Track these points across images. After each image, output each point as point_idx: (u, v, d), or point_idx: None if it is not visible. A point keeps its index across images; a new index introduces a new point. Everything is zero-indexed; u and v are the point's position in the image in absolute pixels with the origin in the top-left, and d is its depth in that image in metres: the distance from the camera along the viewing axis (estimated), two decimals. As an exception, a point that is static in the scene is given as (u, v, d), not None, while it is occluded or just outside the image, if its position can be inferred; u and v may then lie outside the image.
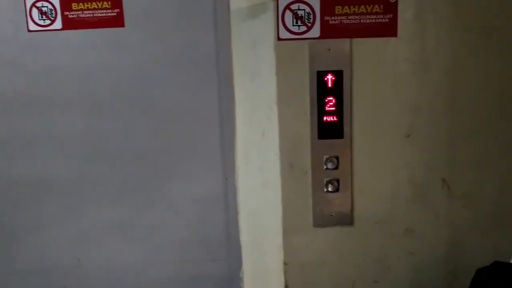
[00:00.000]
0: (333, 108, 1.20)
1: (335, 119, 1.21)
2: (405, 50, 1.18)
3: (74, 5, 1.44)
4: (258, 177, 1.32)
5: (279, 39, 1.18)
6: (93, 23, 1.45)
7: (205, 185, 1.55)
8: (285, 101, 1.21)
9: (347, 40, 1.18)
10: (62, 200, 1.57)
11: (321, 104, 1.20)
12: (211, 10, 1.45)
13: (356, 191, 1.24)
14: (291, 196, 1.25)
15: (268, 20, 1.19)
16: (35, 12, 1.45)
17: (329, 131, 1.21)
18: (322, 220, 1.26)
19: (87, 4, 1.44)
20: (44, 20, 1.45)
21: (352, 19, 1.18)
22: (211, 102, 1.51)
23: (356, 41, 1.18)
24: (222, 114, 1.50)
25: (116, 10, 1.44)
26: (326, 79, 1.19)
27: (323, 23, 1.18)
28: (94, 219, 1.58)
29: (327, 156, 1.22)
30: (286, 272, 1.28)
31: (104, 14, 1.45)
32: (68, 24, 1.45)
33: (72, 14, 1.45)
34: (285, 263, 1.28)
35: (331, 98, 1.20)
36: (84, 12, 1.44)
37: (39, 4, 1.44)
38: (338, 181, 1.23)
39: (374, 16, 1.17)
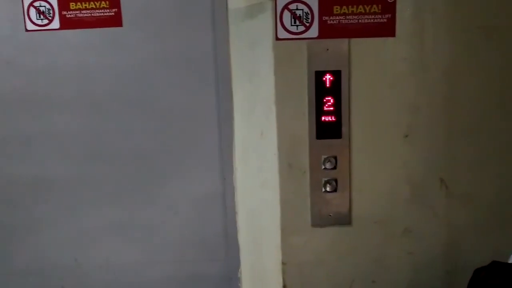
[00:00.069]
0: (331, 108, 1.20)
1: (333, 119, 1.21)
2: (404, 50, 1.18)
3: (72, 4, 1.44)
4: (257, 177, 1.32)
5: (277, 39, 1.18)
6: (91, 23, 1.45)
7: (204, 185, 1.56)
8: (284, 101, 1.21)
9: (345, 40, 1.18)
10: (61, 200, 1.57)
11: (319, 104, 1.20)
12: (209, 10, 1.45)
13: (354, 191, 1.24)
14: (289, 196, 1.25)
15: (266, 20, 1.19)
16: (32, 11, 1.44)
17: (327, 131, 1.21)
18: (320, 220, 1.26)
19: (85, 3, 1.44)
20: (42, 19, 1.45)
21: (350, 19, 1.17)
22: (210, 102, 1.51)
23: (355, 41, 1.18)
24: (221, 114, 1.50)
25: (114, 10, 1.44)
26: (324, 79, 1.19)
27: (321, 23, 1.18)
28: (93, 219, 1.58)
29: (325, 156, 1.22)
30: (284, 272, 1.28)
31: (102, 14, 1.44)
32: (66, 23, 1.45)
33: (70, 14, 1.44)
34: (283, 263, 1.28)
35: (329, 98, 1.20)
36: (82, 11, 1.44)
37: (37, 3, 1.44)
38: (336, 181, 1.23)
39: (373, 16, 1.17)
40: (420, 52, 1.18)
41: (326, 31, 1.18)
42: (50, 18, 1.45)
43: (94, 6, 1.44)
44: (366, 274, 1.28)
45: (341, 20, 1.17)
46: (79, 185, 1.56)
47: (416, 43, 1.18)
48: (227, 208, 1.55)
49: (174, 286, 1.62)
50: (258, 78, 1.25)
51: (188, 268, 1.61)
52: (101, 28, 1.46)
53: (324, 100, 1.20)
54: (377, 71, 1.19)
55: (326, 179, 1.23)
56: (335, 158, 1.22)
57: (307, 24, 1.17)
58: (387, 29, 1.17)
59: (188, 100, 1.51)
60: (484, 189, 1.25)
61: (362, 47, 1.18)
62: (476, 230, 1.27)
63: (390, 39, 1.18)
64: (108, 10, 1.44)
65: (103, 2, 1.43)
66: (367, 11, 1.17)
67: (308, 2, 1.17)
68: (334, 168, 1.23)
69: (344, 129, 1.21)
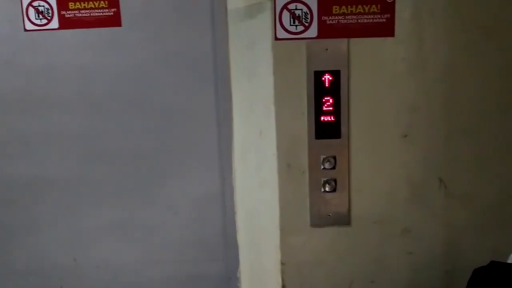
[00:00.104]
0: (331, 108, 1.20)
1: (332, 119, 1.21)
2: (403, 50, 1.18)
3: (71, 4, 1.43)
4: (256, 177, 1.32)
5: (276, 38, 1.18)
6: (90, 23, 1.45)
7: (203, 185, 1.55)
8: (283, 101, 1.21)
9: (345, 40, 1.18)
10: (60, 200, 1.56)
11: (318, 104, 1.20)
12: (209, 10, 1.44)
13: (354, 191, 1.24)
14: (288, 196, 1.25)
15: (265, 19, 1.18)
16: (31, 11, 1.44)
17: (327, 131, 1.21)
18: (320, 220, 1.26)
19: (84, 3, 1.43)
20: (40, 19, 1.45)
21: (349, 19, 1.17)
22: (209, 102, 1.50)
23: (354, 41, 1.18)
24: (220, 114, 1.50)
25: (113, 10, 1.44)
26: (323, 79, 1.19)
27: (321, 23, 1.18)
28: (92, 219, 1.57)
29: (324, 156, 1.22)
30: (283, 272, 1.28)
31: (101, 14, 1.44)
32: (65, 23, 1.45)
33: (69, 14, 1.44)
34: (282, 263, 1.27)
35: (329, 98, 1.20)
36: (81, 11, 1.44)
37: (35, 3, 1.43)
38: (335, 181, 1.23)
39: (372, 16, 1.17)
40: (419, 52, 1.18)
41: (325, 31, 1.18)
42: (49, 18, 1.44)
43: (93, 6, 1.44)
44: (365, 274, 1.28)
45: (340, 20, 1.17)
46: (78, 185, 1.56)
47: (415, 43, 1.18)
48: (226, 208, 1.55)
49: (173, 286, 1.62)
50: (257, 78, 1.25)
51: (187, 268, 1.61)
52: (100, 28, 1.46)
53: (323, 100, 1.20)
54: (376, 71, 1.19)
55: (325, 179, 1.23)
56: (334, 158, 1.22)
57: (306, 24, 1.17)
58: (386, 29, 1.17)
59: (187, 100, 1.51)
60: (483, 189, 1.26)
61: (361, 47, 1.18)
62: (475, 230, 1.27)
63: (389, 39, 1.18)
64: (107, 10, 1.44)
65: (102, 2, 1.43)
66: (366, 11, 1.17)
67: (307, 2, 1.17)
68: (333, 168, 1.23)
69: (343, 129, 1.21)
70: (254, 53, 1.24)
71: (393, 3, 1.16)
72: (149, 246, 1.60)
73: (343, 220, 1.25)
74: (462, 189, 1.25)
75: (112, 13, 1.44)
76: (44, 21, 1.45)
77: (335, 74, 1.19)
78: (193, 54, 1.48)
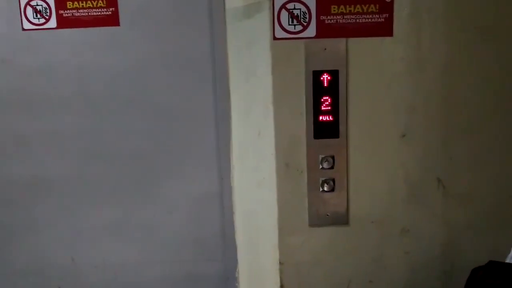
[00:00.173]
0: (329, 108, 1.20)
1: (330, 118, 1.21)
2: (401, 49, 1.18)
3: (69, 3, 1.43)
4: (254, 176, 1.32)
5: (274, 38, 1.18)
6: (88, 22, 1.45)
7: (201, 185, 1.55)
8: (281, 100, 1.21)
9: (343, 40, 1.18)
10: (57, 199, 1.56)
11: (317, 103, 1.20)
12: (207, 9, 1.44)
13: (352, 190, 1.24)
14: (286, 196, 1.25)
15: (263, 19, 1.18)
16: (29, 10, 1.44)
17: (325, 130, 1.21)
18: (318, 220, 1.25)
19: (82, 2, 1.43)
20: (38, 18, 1.44)
21: (348, 19, 1.17)
22: (207, 102, 1.50)
23: (352, 40, 1.18)
24: (218, 113, 1.50)
25: (111, 9, 1.44)
26: (322, 78, 1.19)
27: (319, 23, 1.18)
28: (90, 219, 1.57)
29: (322, 156, 1.22)
30: (281, 272, 1.28)
31: (99, 13, 1.44)
32: (63, 22, 1.45)
33: (67, 13, 1.44)
34: (280, 263, 1.27)
35: (327, 98, 1.20)
36: (79, 10, 1.44)
37: (33, 2, 1.43)
38: (333, 180, 1.23)
39: (370, 16, 1.17)
40: (418, 52, 1.18)
41: (324, 31, 1.18)
42: (47, 17, 1.44)
43: (91, 5, 1.43)
44: (363, 274, 1.28)
45: (338, 20, 1.17)
46: (77, 185, 1.55)
47: (414, 43, 1.18)
48: (225, 208, 1.55)
49: (172, 286, 1.62)
50: (255, 77, 1.25)
51: (186, 268, 1.61)
52: (98, 28, 1.45)
53: (322, 100, 1.20)
54: (375, 70, 1.19)
55: (323, 178, 1.23)
56: (333, 157, 1.22)
57: (305, 24, 1.17)
58: (385, 29, 1.17)
59: (185, 100, 1.50)
60: (481, 189, 1.26)
61: (359, 46, 1.18)
62: (473, 230, 1.27)
63: (388, 38, 1.18)
64: (105, 9, 1.44)
65: (100, 1, 1.43)
66: (365, 10, 1.17)
67: (305, 2, 1.16)
68: (332, 167, 1.23)
69: (341, 129, 1.21)
70: (253, 52, 1.24)
71: (392, 2, 1.16)
72: (148, 246, 1.59)
73: (342, 220, 1.25)
74: (460, 189, 1.25)
75: (110, 13, 1.44)
76: (42, 20, 1.45)
77: (334, 73, 1.19)
78: (191, 53, 1.47)
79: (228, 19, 1.31)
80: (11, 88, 1.50)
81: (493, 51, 1.19)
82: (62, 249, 1.59)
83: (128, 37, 1.46)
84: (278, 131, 1.22)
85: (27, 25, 1.45)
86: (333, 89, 1.19)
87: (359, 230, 1.26)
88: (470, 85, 1.21)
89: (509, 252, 1.07)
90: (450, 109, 1.21)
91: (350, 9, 1.17)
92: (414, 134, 1.22)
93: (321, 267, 1.28)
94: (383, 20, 1.17)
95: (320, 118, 1.21)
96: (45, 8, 1.44)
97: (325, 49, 1.18)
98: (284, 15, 1.17)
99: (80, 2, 1.43)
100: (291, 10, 1.17)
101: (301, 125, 1.21)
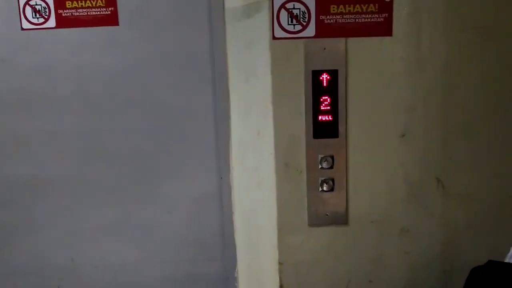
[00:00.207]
0: (328, 108, 1.20)
1: (330, 118, 1.21)
2: (400, 49, 1.18)
3: (68, 3, 1.43)
4: (253, 176, 1.32)
5: (274, 38, 1.18)
6: (87, 22, 1.44)
7: (200, 185, 1.55)
8: (280, 100, 1.21)
9: (342, 39, 1.18)
10: (57, 199, 1.56)
11: (316, 103, 1.20)
12: (206, 9, 1.44)
13: (351, 190, 1.24)
14: (286, 196, 1.25)
15: (263, 19, 1.18)
16: (28, 10, 1.44)
17: (324, 130, 1.21)
18: (317, 220, 1.25)
19: (81, 2, 1.43)
20: (37, 18, 1.44)
21: (347, 18, 1.17)
22: (206, 102, 1.50)
23: (351, 40, 1.18)
24: (217, 113, 1.50)
25: (110, 9, 1.44)
26: (321, 78, 1.19)
27: (318, 22, 1.18)
28: (90, 218, 1.57)
29: (322, 156, 1.22)
30: (281, 272, 1.28)
31: (98, 13, 1.44)
32: (62, 22, 1.44)
33: (66, 12, 1.44)
34: (280, 263, 1.27)
35: (326, 98, 1.20)
36: (78, 10, 1.44)
37: (32, 2, 1.43)
38: (333, 180, 1.23)
39: (369, 16, 1.17)
40: (417, 52, 1.18)
41: (323, 30, 1.18)
42: (46, 16, 1.44)
43: (90, 5, 1.43)
44: (363, 273, 1.28)
45: (338, 19, 1.17)
46: (76, 185, 1.55)
47: (413, 42, 1.18)
48: (224, 208, 1.55)
49: (171, 286, 1.62)
50: (255, 77, 1.25)
51: (185, 267, 1.61)
52: (98, 27, 1.45)
53: (321, 100, 1.20)
54: (374, 70, 1.19)
55: (323, 178, 1.23)
56: (332, 157, 1.22)
57: (304, 23, 1.17)
58: (384, 29, 1.17)
59: (184, 100, 1.50)
60: (481, 189, 1.26)
61: (359, 46, 1.18)
62: (473, 230, 1.27)
63: (387, 38, 1.18)
64: (105, 9, 1.44)
65: (99, 1, 1.43)
66: (364, 10, 1.17)
67: (305, 1, 1.16)
68: (331, 167, 1.23)
69: (341, 129, 1.21)
70: (252, 52, 1.24)
71: (391, 2, 1.16)
72: (147, 246, 1.59)
73: (341, 219, 1.25)
74: (460, 189, 1.25)
75: (109, 12, 1.44)
76: (41, 20, 1.44)
77: (333, 73, 1.19)
78: (190, 53, 1.47)
79: (227, 19, 1.30)
80: (10, 88, 1.50)
81: (493, 51, 1.19)
82: (61, 249, 1.59)
83: (127, 36, 1.46)
84: (277, 131, 1.22)
85: (26, 25, 1.45)
86: (332, 89, 1.19)
87: (359, 230, 1.26)
88: (469, 85, 1.21)
89: (508, 252, 1.07)
90: (449, 109, 1.21)
91: (349, 8, 1.17)
92: (413, 134, 1.22)
93: (321, 267, 1.28)
94: (382, 19, 1.17)
95: (320, 118, 1.21)
96: (44, 8, 1.43)
97: (325, 48, 1.18)
98: (284, 14, 1.17)
99: (79, 1, 1.43)
100: (290, 10, 1.17)
101: (300, 125, 1.21)
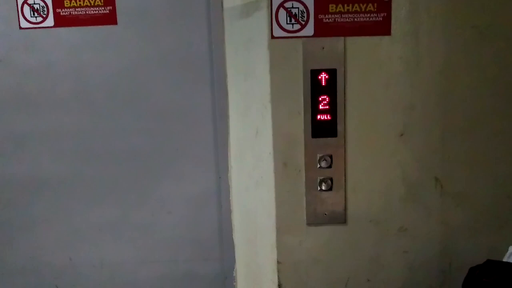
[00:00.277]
0: (327, 107, 1.20)
1: (328, 117, 1.21)
2: (399, 48, 1.18)
3: (66, 2, 1.43)
4: (252, 176, 1.32)
5: (272, 37, 1.18)
6: (86, 21, 1.44)
7: (198, 184, 1.55)
8: (279, 99, 1.21)
9: (341, 39, 1.18)
10: (55, 199, 1.56)
11: (314, 102, 1.20)
12: (205, 8, 1.44)
13: (350, 189, 1.24)
14: (284, 195, 1.25)
15: (261, 18, 1.18)
16: (26, 9, 1.43)
17: (323, 129, 1.21)
18: (316, 219, 1.25)
19: (80, 1, 1.43)
20: (36, 17, 1.44)
21: (346, 18, 1.17)
22: (205, 101, 1.50)
23: (350, 39, 1.18)
24: (216, 112, 1.50)
25: (108, 8, 1.43)
26: (319, 77, 1.19)
27: (317, 21, 1.17)
28: (87, 218, 1.57)
29: (320, 155, 1.22)
30: (279, 271, 1.28)
31: (97, 12, 1.44)
32: (60, 21, 1.44)
33: (64, 12, 1.44)
34: (278, 262, 1.27)
35: (325, 97, 1.20)
36: (77, 9, 1.44)
37: (31, 1, 1.43)
38: (331, 179, 1.23)
39: (368, 15, 1.17)
40: (416, 51, 1.18)
41: (322, 30, 1.18)
42: (44, 15, 1.44)
43: (88, 4, 1.43)
44: (361, 272, 1.28)
45: (336, 19, 1.17)
46: (73, 184, 1.55)
47: (412, 42, 1.18)
48: (222, 207, 1.55)
49: (169, 285, 1.62)
50: (253, 76, 1.25)
51: (183, 267, 1.61)
52: (96, 26, 1.45)
53: (320, 99, 1.20)
54: (373, 69, 1.19)
55: (321, 177, 1.23)
56: (331, 156, 1.22)
57: (303, 23, 1.17)
58: (383, 28, 1.17)
59: (183, 99, 1.50)
60: (479, 188, 1.26)
61: (357, 45, 1.18)
62: (471, 229, 1.27)
63: (386, 37, 1.18)
64: (103, 8, 1.43)
65: (97, 0, 1.43)
66: (363, 9, 1.17)
67: (303, 0, 1.16)
68: (330, 167, 1.23)
69: (339, 128, 1.21)
70: (250, 51, 1.24)
71: (390, 2, 1.16)
72: (145, 245, 1.59)
73: (339, 219, 1.25)
74: (458, 188, 1.25)
75: (108, 11, 1.44)
76: (40, 19, 1.44)
77: (332, 72, 1.19)
78: (189, 52, 1.47)
79: (226, 18, 1.30)
80: (8, 87, 1.49)
81: (491, 50, 1.20)
82: (59, 248, 1.59)
83: (126, 35, 1.46)
84: (276, 130, 1.22)
85: (24, 24, 1.45)
86: (331, 88, 1.19)
87: (357, 229, 1.26)
88: (468, 84, 1.21)
89: (506, 251, 1.07)
90: (448, 108, 1.21)
91: (348, 8, 1.17)
92: (412, 133, 1.22)
93: (319, 266, 1.28)
94: (381, 19, 1.17)
95: (318, 117, 1.21)
96: (43, 7, 1.43)
97: (323, 48, 1.18)
98: (282, 14, 1.17)
99: (77, 0, 1.43)
100: (289, 9, 1.17)
101: (299, 124, 1.21)
